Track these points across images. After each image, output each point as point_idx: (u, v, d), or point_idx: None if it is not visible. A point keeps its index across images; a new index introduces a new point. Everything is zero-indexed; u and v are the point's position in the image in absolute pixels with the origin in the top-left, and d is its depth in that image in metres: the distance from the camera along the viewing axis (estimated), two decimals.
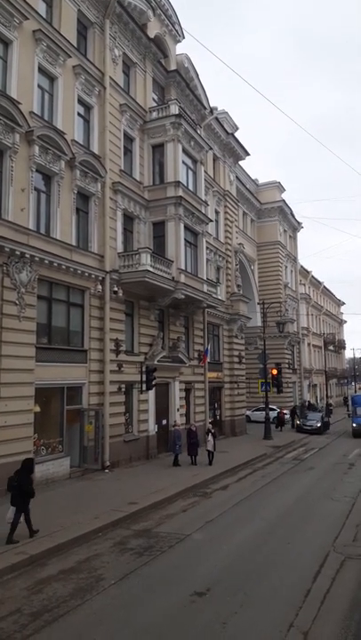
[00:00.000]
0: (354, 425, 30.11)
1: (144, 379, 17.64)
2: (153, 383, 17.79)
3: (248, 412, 31.30)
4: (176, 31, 24.14)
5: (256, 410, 32.69)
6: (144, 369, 17.94)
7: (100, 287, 17.08)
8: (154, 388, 18.41)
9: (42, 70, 15.68)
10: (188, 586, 7.47)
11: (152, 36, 21.75)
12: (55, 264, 15.04)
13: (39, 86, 15.53)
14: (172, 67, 23.90)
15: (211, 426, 20.05)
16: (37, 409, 14.21)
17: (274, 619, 6.45)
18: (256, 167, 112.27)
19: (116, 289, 17.60)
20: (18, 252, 13.57)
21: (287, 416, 36.22)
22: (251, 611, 6.69)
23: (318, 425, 31.41)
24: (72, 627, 6.28)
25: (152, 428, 19.58)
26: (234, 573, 8.05)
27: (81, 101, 17.54)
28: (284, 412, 34.33)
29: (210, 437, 18.15)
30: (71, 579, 7.82)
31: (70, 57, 16.71)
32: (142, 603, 6.97)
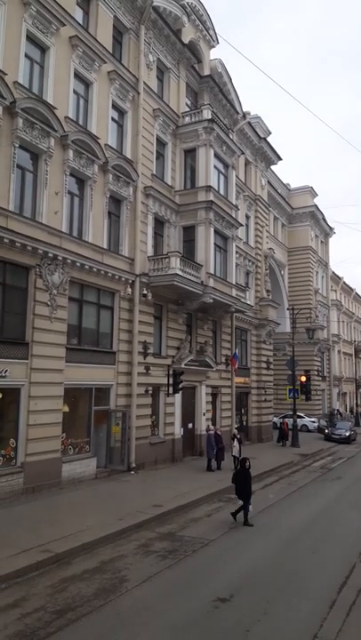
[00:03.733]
0: None
1: (171, 382, 17.70)
2: (180, 386, 17.84)
3: (275, 419, 30.90)
4: (210, 36, 24.22)
5: (283, 417, 32.25)
6: (171, 372, 18.00)
7: (129, 290, 17.25)
8: (180, 392, 18.45)
9: (77, 76, 15.97)
10: (212, 591, 7.41)
11: (186, 41, 21.88)
12: (87, 266, 15.27)
13: (75, 92, 15.83)
14: (206, 72, 23.98)
15: (237, 431, 19.93)
16: (66, 409, 14.43)
17: (298, 628, 6.34)
18: (289, 172, 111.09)
19: (145, 292, 17.73)
20: (51, 255, 13.84)
21: (315, 424, 35.71)
22: (274, 619, 6.59)
23: (347, 434, 30.80)
24: (95, 626, 6.31)
25: (178, 431, 19.59)
26: (257, 580, 7.95)
27: (115, 106, 17.79)
28: (288, 423, 27.94)
29: (235, 443, 18.02)
30: (95, 579, 7.86)
31: (105, 62, 16.97)
32: (165, 606, 6.95)
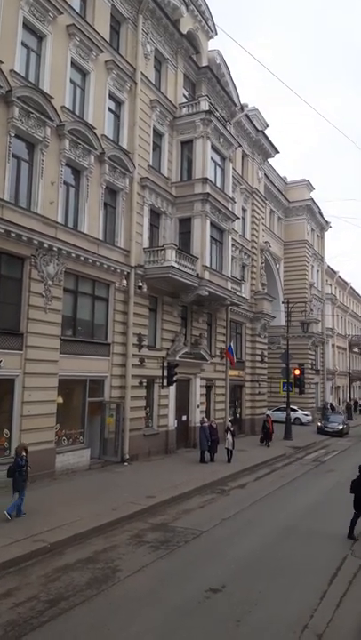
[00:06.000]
0: None
1: (165, 374, 17.73)
2: (174, 379, 17.87)
3: (269, 412, 31.06)
4: (209, 27, 24.00)
5: (277, 410, 32.42)
6: (166, 364, 18.03)
7: (125, 282, 17.21)
8: (175, 384, 18.50)
9: (74, 65, 15.81)
10: (204, 582, 7.49)
11: (185, 31, 21.68)
12: (82, 257, 15.21)
13: (71, 81, 15.68)
14: (204, 63, 23.78)
15: (230, 424, 20.02)
16: (60, 400, 14.45)
17: (288, 619, 6.43)
18: (286, 166, 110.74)
19: (140, 284, 17.70)
20: (46, 245, 13.78)
21: (308, 417, 35.95)
22: (265, 610, 6.68)
23: (340, 427, 31.02)
24: (87, 616, 6.38)
25: (172, 423, 19.67)
26: (249, 572, 8.05)
27: (112, 96, 17.64)
28: (272, 419, 24.93)
29: (229, 436, 18.13)
30: (88, 569, 7.93)
31: (103, 52, 16.80)
32: (157, 596, 7.03)
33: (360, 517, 10.15)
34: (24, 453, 10.42)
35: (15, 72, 13.22)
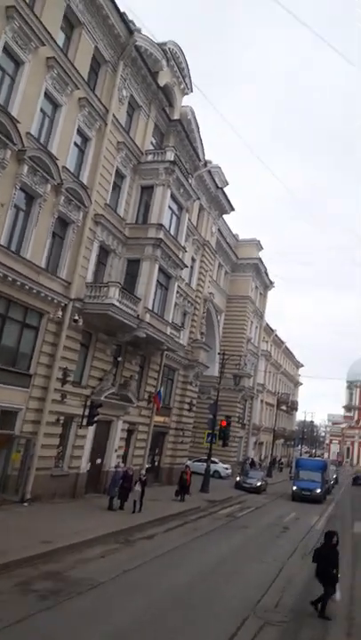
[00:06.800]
0: (294, 488, 30.20)
1: (87, 413, 17.22)
2: (95, 419, 17.39)
3: (188, 462, 30.90)
4: (185, 84, 25.18)
5: (197, 460, 32.26)
6: (89, 403, 17.54)
7: (60, 313, 16.81)
8: (95, 425, 17.98)
9: (47, 96, 16.02)
10: (93, 637, 7.07)
11: (162, 84, 22.62)
12: (18, 283, 14.77)
13: (42, 110, 15.83)
14: (176, 116, 24.79)
15: (144, 473, 19.21)
16: None
17: None
18: (236, 222, 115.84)
19: (76, 317, 17.41)
20: None
21: (228, 471, 36.05)
22: None
23: (258, 484, 31.27)
24: None
25: (84, 465, 18.77)
26: (146, 629, 7.74)
27: (80, 132, 17.89)
28: (190, 470, 23.24)
29: (137, 486, 17.31)
30: None
31: (78, 89, 17.16)
32: None
33: (332, 594, 9.30)
34: None
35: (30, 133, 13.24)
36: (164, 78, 23.18)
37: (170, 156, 21.60)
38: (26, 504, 15.25)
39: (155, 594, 9.49)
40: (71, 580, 9.55)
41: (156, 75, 22.11)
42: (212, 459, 30.10)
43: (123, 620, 8.03)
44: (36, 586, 9.04)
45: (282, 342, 59.95)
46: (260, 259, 43.58)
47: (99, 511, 16.64)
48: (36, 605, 8.08)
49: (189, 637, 7.64)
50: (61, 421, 17.15)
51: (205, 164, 28.25)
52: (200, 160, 27.39)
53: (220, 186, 30.88)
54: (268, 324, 51.57)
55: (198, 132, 27.02)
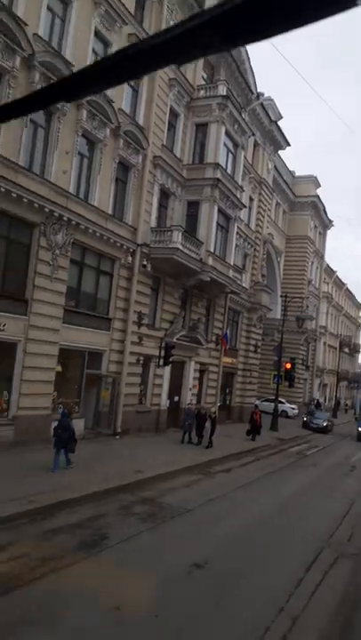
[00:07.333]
0: (359, 429, 30.16)
1: (162, 354, 17.85)
2: (170, 359, 18.01)
3: (257, 402, 31.45)
4: None
5: (265, 400, 32.76)
6: (163, 344, 18.14)
7: (130, 258, 17.22)
8: (170, 365, 18.65)
9: (97, 35, 15.66)
10: (188, 556, 7.60)
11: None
12: (90, 230, 15.18)
13: (93, 50, 15.51)
14: None
15: (214, 410, 19.79)
16: (59, 368, 14.54)
17: (265, 600, 6.53)
18: (294, 160, 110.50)
19: (145, 262, 17.72)
20: (56, 214, 13.75)
21: (295, 411, 36.41)
22: (244, 591, 6.81)
23: (325, 424, 31.50)
24: (74, 577, 6.52)
25: (164, 402, 19.87)
26: (232, 552, 8.19)
27: None
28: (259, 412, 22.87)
29: (208, 424, 17.99)
30: (77, 533, 8.05)
31: (127, 24, 16.62)
32: (142, 566, 7.15)
33: None
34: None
35: (38, 36, 13.06)
36: (211, 5, 21.85)
37: (222, 90, 20.72)
38: (117, 437, 16.49)
39: (237, 521, 9.93)
40: (163, 506, 10.22)
41: (202, 3, 20.89)
42: (280, 399, 30.42)
43: (212, 541, 8.55)
44: (135, 509, 9.77)
45: (343, 283, 58.06)
46: (318, 196, 41.70)
47: (179, 445, 17.51)
48: (138, 526, 8.77)
49: (273, 563, 8.01)
50: (141, 362, 18.02)
51: (258, 96, 26.86)
52: (252, 93, 26.07)
53: (273, 119, 29.39)
54: (328, 265, 49.94)
55: (249, 62, 25.59)
